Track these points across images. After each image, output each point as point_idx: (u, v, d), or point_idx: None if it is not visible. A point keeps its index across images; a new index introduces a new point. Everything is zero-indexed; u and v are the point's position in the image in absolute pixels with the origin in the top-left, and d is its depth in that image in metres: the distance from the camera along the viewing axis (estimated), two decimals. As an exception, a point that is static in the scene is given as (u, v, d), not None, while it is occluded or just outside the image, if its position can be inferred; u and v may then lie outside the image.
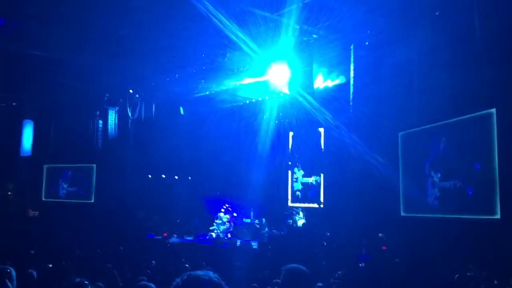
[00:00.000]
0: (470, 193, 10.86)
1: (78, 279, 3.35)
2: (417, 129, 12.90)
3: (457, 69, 11.14)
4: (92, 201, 20.54)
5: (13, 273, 3.65)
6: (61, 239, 13.83)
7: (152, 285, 2.70)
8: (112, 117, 21.09)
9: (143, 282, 2.85)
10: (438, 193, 11.90)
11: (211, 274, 1.98)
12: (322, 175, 16.98)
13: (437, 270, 8.81)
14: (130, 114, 20.35)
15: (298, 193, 18.19)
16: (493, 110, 10.24)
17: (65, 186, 21.62)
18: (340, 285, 7.18)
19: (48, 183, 21.93)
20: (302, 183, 18.04)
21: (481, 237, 10.02)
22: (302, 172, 18.12)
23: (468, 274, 7.87)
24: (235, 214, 18.30)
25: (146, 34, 14.08)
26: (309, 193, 17.58)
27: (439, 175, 11.92)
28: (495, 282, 7.04)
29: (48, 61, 16.20)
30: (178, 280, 1.97)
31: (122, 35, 13.93)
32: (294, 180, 18.36)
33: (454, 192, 11.32)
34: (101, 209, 18.77)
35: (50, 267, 8.43)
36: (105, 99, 20.49)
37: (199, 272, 1.98)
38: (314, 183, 17.39)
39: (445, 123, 11.93)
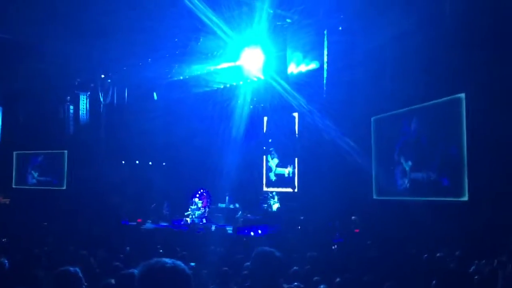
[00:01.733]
0: (446, 183, 11.03)
1: (71, 268, 3.19)
2: (389, 113, 13.07)
3: (428, 54, 11.29)
4: (64, 187, 20.25)
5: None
6: (33, 226, 13.60)
7: (168, 259, 2.34)
8: (84, 102, 20.68)
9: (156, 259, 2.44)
10: (408, 184, 12.11)
11: (177, 262, 1.94)
12: (296, 159, 17.10)
13: (407, 251, 9.03)
14: (102, 99, 20.00)
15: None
16: (462, 95, 10.46)
17: (35, 174, 21.24)
18: (313, 268, 7.29)
19: (18, 170, 21.50)
20: (276, 174, 18.10)
21: (450, 219, 10.29)
22: (276, 160, 18.15)
23: (438, 254, 8.09)
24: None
25: (117, 16, 13.77)
26: (283, 184, 17.66)
27: (410, 163, 12.11)
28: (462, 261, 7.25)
29: (15, 45, 15.72)
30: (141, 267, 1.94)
31: (92, 17, 13.60)
32: (268, 169, 18.43)
33: (426, 184, 11.54)
34: (73, 196, 18.53)
35: (22, 255, 8.28)
36: (76, 83, 20.08)
37: (166, 259, 1.94)
38: (290, 174, 17.43)
39: (416, 107, 12.12)
